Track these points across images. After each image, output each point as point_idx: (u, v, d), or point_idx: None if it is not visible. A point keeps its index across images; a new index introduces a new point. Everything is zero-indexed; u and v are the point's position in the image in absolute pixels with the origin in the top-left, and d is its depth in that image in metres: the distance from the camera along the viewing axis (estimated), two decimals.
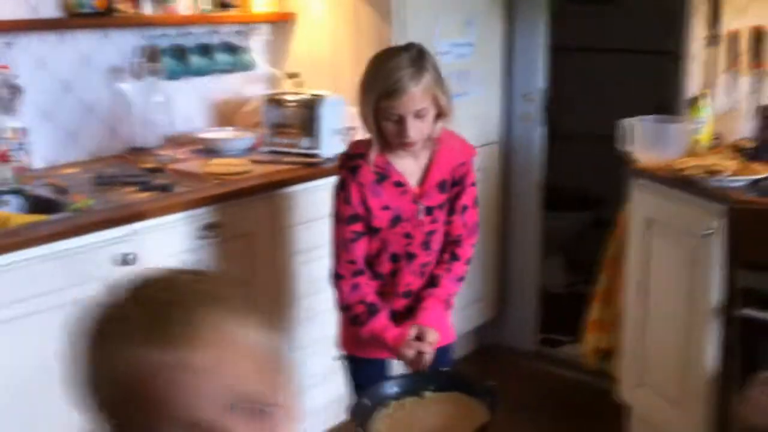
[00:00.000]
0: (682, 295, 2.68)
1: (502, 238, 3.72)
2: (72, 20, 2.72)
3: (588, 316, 3.19)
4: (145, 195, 2.45)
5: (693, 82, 3.14)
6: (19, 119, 2.54)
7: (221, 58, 3.15)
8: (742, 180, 2.61)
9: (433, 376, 2.05)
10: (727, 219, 2.48)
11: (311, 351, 2.71)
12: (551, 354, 3.77)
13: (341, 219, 2.13)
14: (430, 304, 2.19)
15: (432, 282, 2.22)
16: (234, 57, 3.19)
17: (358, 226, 2.13)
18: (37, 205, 2.39)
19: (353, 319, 2.15)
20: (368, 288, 2.15)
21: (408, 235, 2.16)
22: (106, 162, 2.82)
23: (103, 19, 2.79)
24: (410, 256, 2.19)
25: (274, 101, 3.04)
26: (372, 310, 2.13)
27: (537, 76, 3.62)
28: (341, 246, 2.14)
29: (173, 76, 3.01)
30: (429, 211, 2.17)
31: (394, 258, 2.18)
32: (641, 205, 2.85)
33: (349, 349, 2.30)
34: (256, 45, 3.34)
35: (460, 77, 3.38)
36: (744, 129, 3.04)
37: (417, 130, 2.06)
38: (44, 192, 2.45)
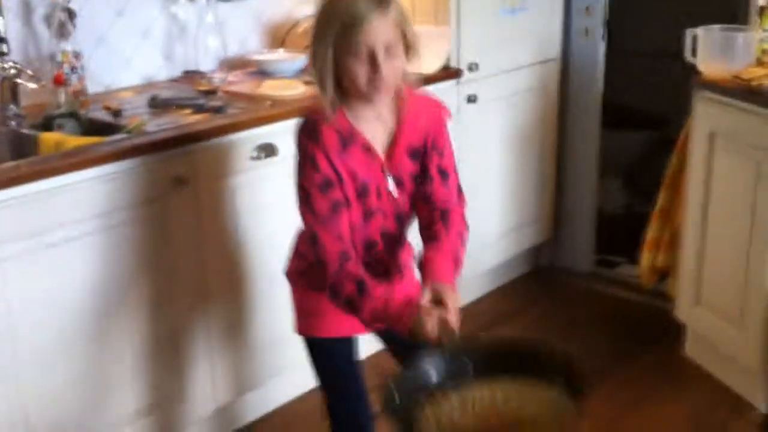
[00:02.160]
0: (745, 212, 2.60)
1: (558, 157, 3.65)
2: None
3: (645, 235, 3.14)
4: (198, 116, 2.46)
5: None
6: (73, 43, 2.56)
7: None
8: None
9: (471, 349, 1.65)
10: None
11: None
12: (608, 274, 3.73)
13: (311, 191, 1.79)
14: (439, 258, 1.82)
15: (430, 239, 1.87)
16: None
17: (335, 193, 1.79)
18: (92, 128, 2.41)
19: (347, 303, 1.78)
20: (355, 265, 1.79)
21: (383, 214, 1.87)
22: (160, 86, 2.84)
23: None
24: (385, 237, 1.91)
25: None
26: (363, 289, 1.76)
27: None
28: (320, 222, 1.78)
29: None
30: (399, 182, 1.87)
31: (369, 246, 1.89)
32: (705, 119, 2.75)
33: (308, 330, 2.01)
34: None
35: None
36: None
37: (390, 69, 1.73)
38: (99, 115, 2.48)
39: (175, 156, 2.29)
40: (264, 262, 2.56)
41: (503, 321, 3.33)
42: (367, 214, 1.86)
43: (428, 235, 1.89)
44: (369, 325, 1.85)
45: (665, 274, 3.15)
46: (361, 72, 1.74)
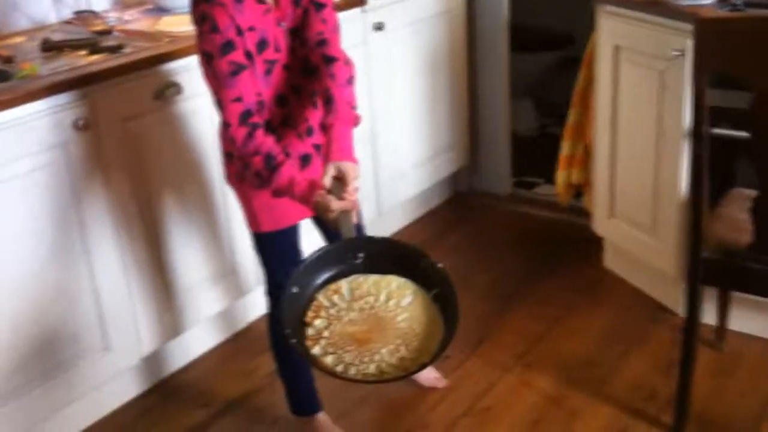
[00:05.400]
0: (652, 120, 2.65)
1: (470, 83, 3.64)
2: None
3: (559, 153, 3.17)
4: (94, 57, 2.35)
5: None
6: None
7: None
8: None
9: (362, 245, 1.85)
10: (695, 36, 2.41)
11: None
12: (526, 196, 3.78)
13: (213, 54, 1.83)
14: (337, 132, 1.91)
15: (326, 102, 1.95)
16: None
17: (235, 55, 1.82)
18: None
19: (255, 176, 1.87)
20: (264, 136, 1.85)
21: (287, 67, 1.96)
22: (52, 29, 2.70)
23: None
24: (296, 90, 2.00)
25: None
26: (271, 165, 1.85)
27: None
28: (222, 86, 1.84)
29: None
30: (294, 33, 1.97)
31: (281, 101, 1.98)
32: (609, 33, 2.77)
33: (259, 226, 2.09)
34: None
35: None
36: None
37: None
38: None
39: (73, 100, 2.19)
40: (177, 203, 2.49)
41: (425, 248, 3.33)
42: (269, 68, 1.93)
43: (323, 95, 1.96)
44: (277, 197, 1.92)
45: (581, 190, 3.21)
46: None
